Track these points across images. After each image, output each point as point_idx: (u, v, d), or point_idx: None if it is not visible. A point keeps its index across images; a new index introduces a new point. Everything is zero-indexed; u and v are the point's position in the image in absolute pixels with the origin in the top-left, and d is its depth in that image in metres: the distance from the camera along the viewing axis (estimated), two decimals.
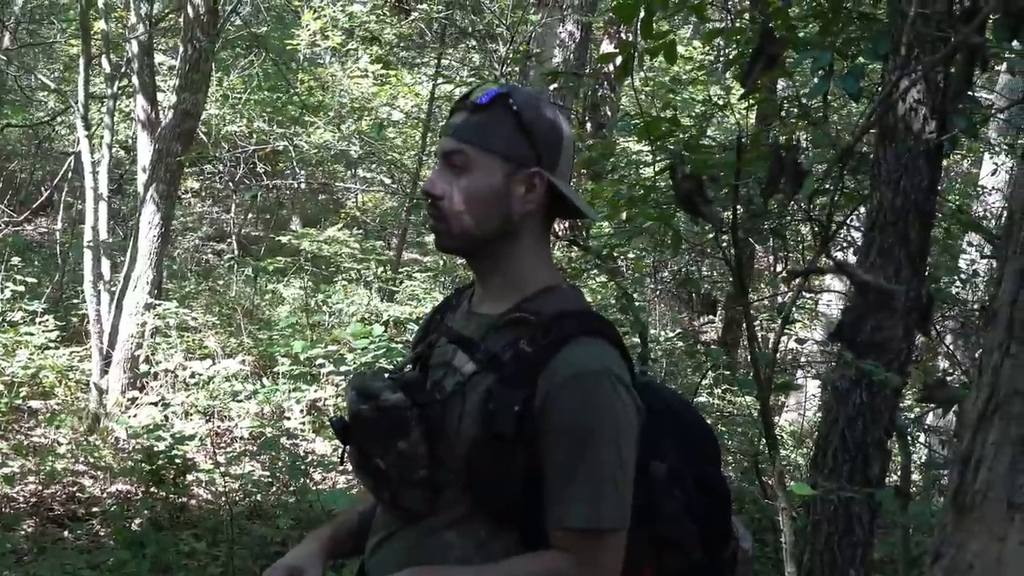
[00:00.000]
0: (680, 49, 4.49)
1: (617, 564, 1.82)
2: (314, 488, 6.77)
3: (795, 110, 5.50)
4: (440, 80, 12.69)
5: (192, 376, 8.79)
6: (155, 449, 6.79)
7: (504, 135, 1.90)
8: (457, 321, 2.02)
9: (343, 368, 8.55)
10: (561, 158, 1.96)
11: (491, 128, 1.90)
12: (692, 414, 2.14)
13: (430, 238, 15.56)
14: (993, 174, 9.56)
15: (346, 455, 1.97)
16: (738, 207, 3.26)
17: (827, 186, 3.05)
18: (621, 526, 1.81)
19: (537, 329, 1.85)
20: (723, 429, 8.03)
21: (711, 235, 6.02)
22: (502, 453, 1.80)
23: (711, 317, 11.82)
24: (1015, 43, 3.58)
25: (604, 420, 1.80)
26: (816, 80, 3.82)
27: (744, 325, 2.69)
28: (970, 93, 3.88)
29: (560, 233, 5.75)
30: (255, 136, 13.47)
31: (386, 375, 1.99)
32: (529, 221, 1.95)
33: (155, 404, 8.54)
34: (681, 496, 1.94)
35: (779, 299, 9.50)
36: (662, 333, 10.73)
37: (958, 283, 8.05)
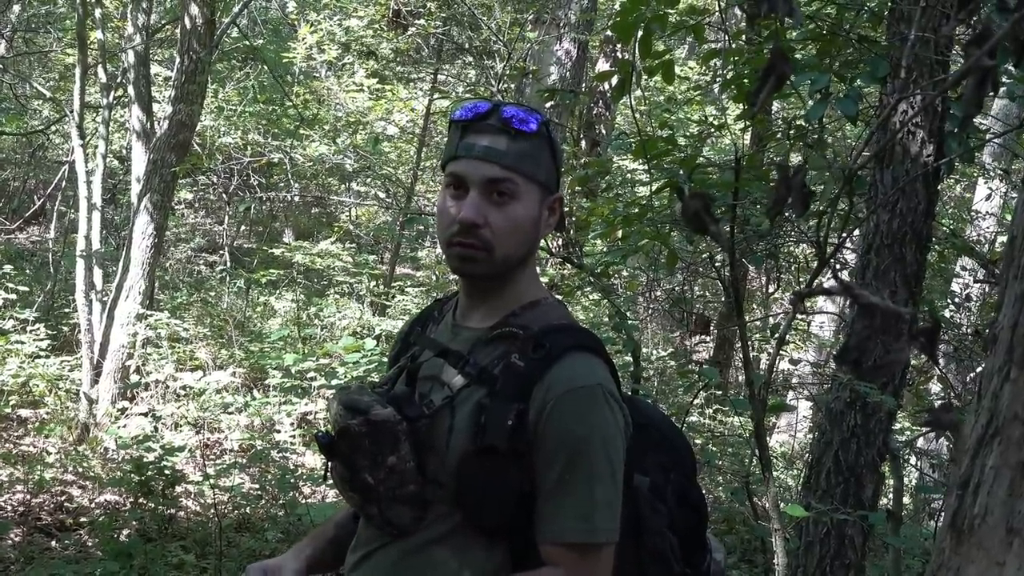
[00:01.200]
0: (675, 69, 4.50)
1: None
2: (303, 501, 6.75)
3: (791, 131, 5.51)
4: (436, 95, 12.71)
5: (183, 387, 8.77)
6: (144, 460, 6.76)
7: (545, 164, 1.92)
8: (442, 334, 2.02)
9: (334, 382, 8.53)
10: None
11: (536, 157, 1.90)
12: (672, 429, 2.15)
13: (423, 252, 15.61)
14: (987, 199, 9.57)
15: (330, 470, 1.96)
16: (734, 228, 3.26)
17: (824, 208, 3.06)
18: (613, 539, 1.81)
19: (527, 343, 1.86)
20: (714, 449, 8.02)
21: (706, 255, 6.03)
22: (494, 466, 1.79)
23: (703, 336, 11.83)
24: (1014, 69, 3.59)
25: (598, 435, 1.80)
26: (813, 102, 3.84)
27: (740, 345, 2.68)
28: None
29: (554, 250, 5.75)
30: (250, 148, 13.47)
31: (372, 389, 1.98)
32: (539, 242, 1.99)
33: (145, 415, 8.50)
34: (664, 510, 1.96)
35: (771, 319, 9.51)
36: (654, 352, 10.73)
37: (951, 307, 8.07)
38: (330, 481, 2.01)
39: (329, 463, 1.95)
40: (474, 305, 1.98)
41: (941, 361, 7.81)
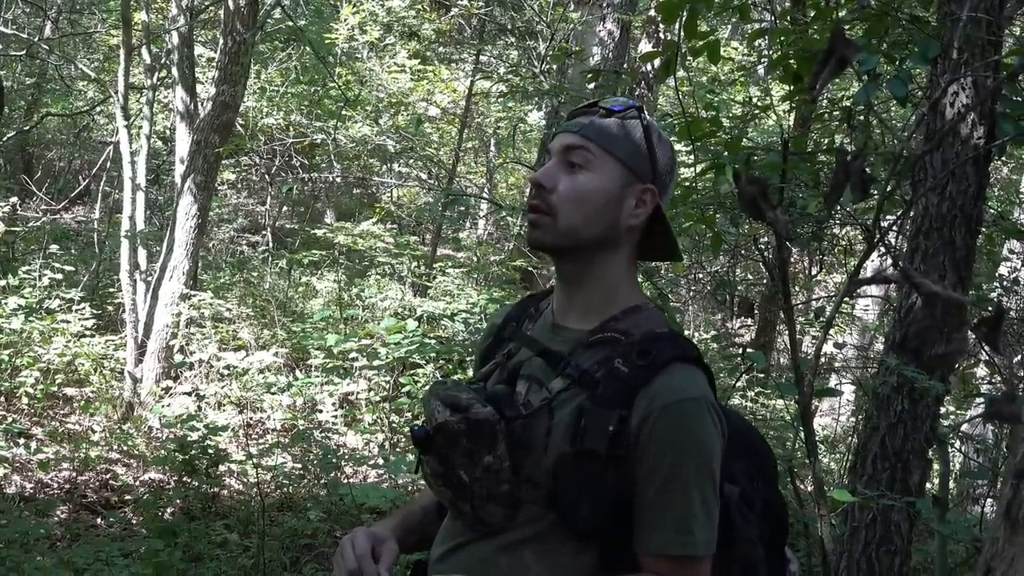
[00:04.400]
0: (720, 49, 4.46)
1: None
2: (345, 481, 6.78)
3: (836, 113, 5.45)
4: (478, 76, 12.67)
5: (226, 367, 8.82)
6: (188, 439, 6.82)
7: (631, 144, 1.91)
8: (541, 332, 2.01)
9: (376, 362, 8.56)
10: (670, 188, 1.97)
11: (620, 134, 1.91)
12: (758, 438, 2.15)
13: (464, 234, 15.59)
14: None
15: (423, 464, 1.95)
16: (780, 210, 3.22)
17: (883, 193, 3.01)
18: (711, 551, 1.82)
19: (631, 349, 1.85)
20: None
21: (749, 237, 5.99)
22: (592, 470, 1.80)
23: (746, 319, 11.76)
24: None
25: (701, 448, 1.81)
26: (862, 83, 3.78)
27: (788, 330, 2.65)
28: (1018, 99, 3.83)
29: None
30: (292, 129, 13.50)
31: (469, 385, 1.98)
32: (629, 237, 1.95)
33: (189, 394, 8.58)
34: (754, 519, 1.96)
35: (814, 303, 9.43)
36: (696, 334, 10.69)
37: (999, 290, 7.96)
38: (417, 475, 2.00)
39: (422, 457, 1.94)
40: (569, 300, 1.98)
41: (1000, 351, 7.69)
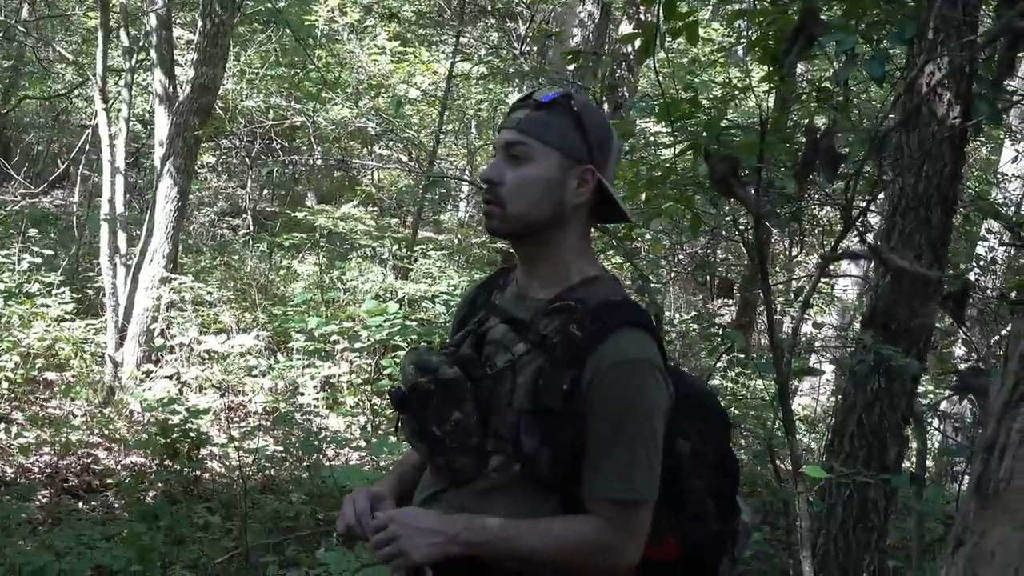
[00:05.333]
0: (700, 30, 4.45)
1: (645, 531, 2.04)
2: (327, 464, 6.79)
3: (816, 93, 5.45)
4: (458, 58, 12.64)
5: (207, 351, 8.81)
6: (170, 422, 6.81)
7: (564, 132, 2.09)
8: (508, 302, 2.22)
9: (357, 345, 8.56)
10: (609, 160, 2.14)
11: (552, 124, 2.09)
12: (712, 399, 2.37)
13: (445, 216, 15.59)
14: (1013, 161, 9.46)
15: (401, 423, 2.18)
16: (759, 190, 3.24)
17: (849, 170, 3.03)
18: (652, 498, 2.02)
19: (585, 316, 2.04)
20: (736, 412, 8.01)
21: (729, 218, 6.00)
22: (550, 425, 2.00)
23: (726, 300, 11.80)
24: None
25: (643, 404, 2.00)
26: (840, 64, 3.79)
27: (766, 309, 2.68)
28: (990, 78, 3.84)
29: None
30: (272, 111, 13.46)
31: (440, 350, 2.20)
32: (577, 214, 2.14)
33: (170, 378, 8.55)
34: (704, 473, 2.15)
35: (794, 283, 9.47)
36: (677, 315, 10.72)
37: (976, 270, 8.01)
38: (398, 433, 2.23)
39: (400, 417, 2.16)
40: (529, 274, 2.18)
41: (966, 324, 7.74)
